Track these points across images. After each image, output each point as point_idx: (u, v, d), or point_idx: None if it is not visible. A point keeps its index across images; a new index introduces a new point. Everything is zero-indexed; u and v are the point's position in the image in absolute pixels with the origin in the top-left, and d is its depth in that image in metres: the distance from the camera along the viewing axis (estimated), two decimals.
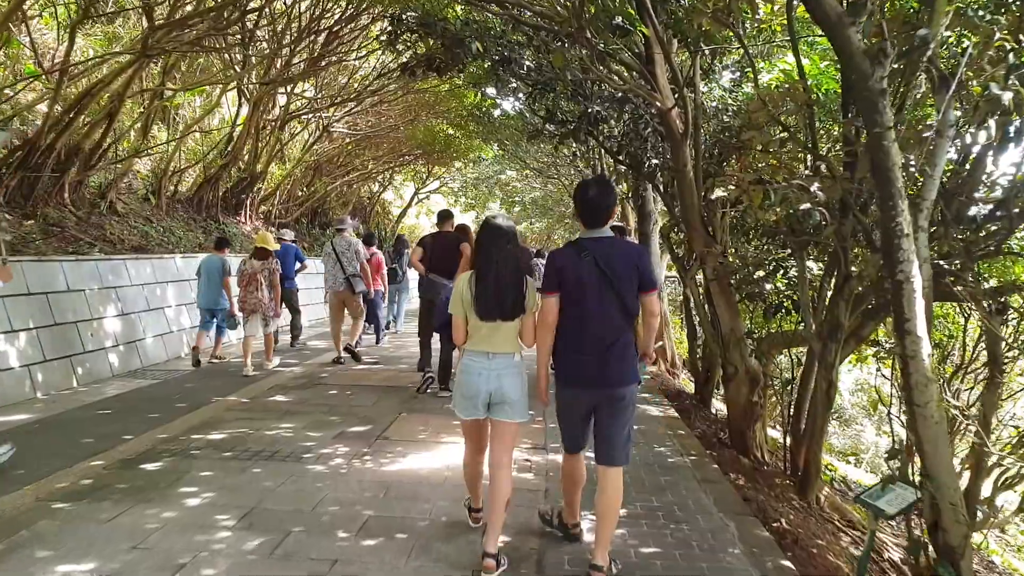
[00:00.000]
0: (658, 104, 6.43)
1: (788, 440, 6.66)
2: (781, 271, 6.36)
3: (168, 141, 13.92)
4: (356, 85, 17.46)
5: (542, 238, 36.76)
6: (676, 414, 7.20)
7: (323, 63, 15.07)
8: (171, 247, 11.64)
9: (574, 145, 9.04)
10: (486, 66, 7.73)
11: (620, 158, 8.14)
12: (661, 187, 8.16)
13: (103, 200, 11.49)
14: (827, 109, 6.55)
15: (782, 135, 4.95)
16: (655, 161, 7.77)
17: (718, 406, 9.38)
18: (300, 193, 20.39)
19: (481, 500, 4.00)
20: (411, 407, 6.86)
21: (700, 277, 9.24)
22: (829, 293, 5.77)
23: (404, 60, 7.85)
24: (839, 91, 5.55)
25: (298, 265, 11.10)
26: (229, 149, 15.46)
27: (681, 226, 7.99)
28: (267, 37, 14.01)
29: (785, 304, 6.15)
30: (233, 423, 6.15)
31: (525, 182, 26.43)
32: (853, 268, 5.03)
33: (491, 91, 18.55)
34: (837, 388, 5.63)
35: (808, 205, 4.43)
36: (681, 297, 11.89)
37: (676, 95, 6.70)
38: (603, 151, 10.42)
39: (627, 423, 3.52)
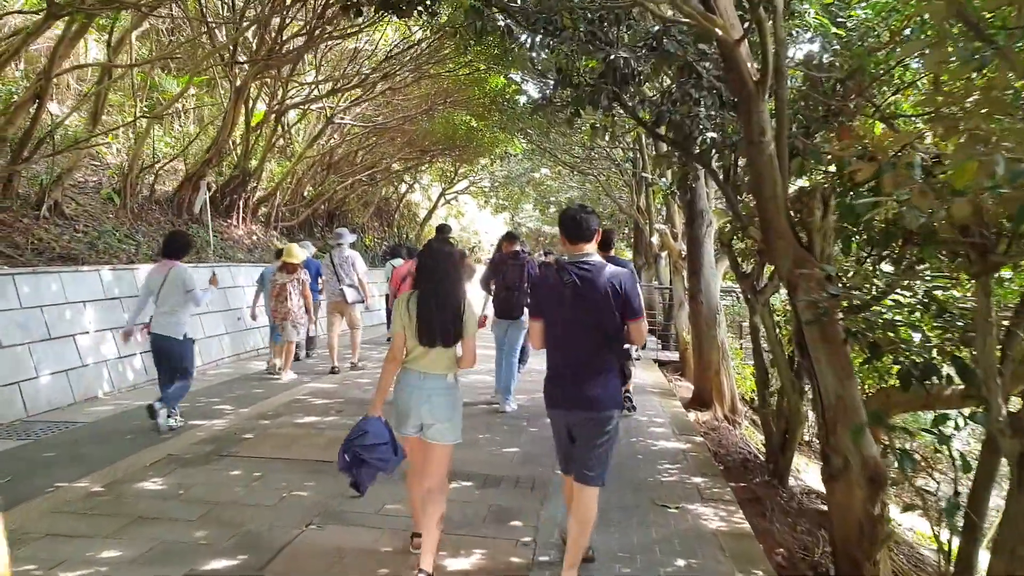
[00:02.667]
0: (718, 34, 4.01)
1: None
2: (922, 305, 3.84)
3: (119, 127, 11.87)
4: (361, 69, 15.31)
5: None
6: (744, 523, 4.73)
7: (320, 34, 12.90)
8: (124, 256, 9.56)
9: (595, 119, 6.55)
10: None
11: (660, 131, 5.72)
12: (720, 173, 5.71)
13: (47, 199, 9.48)
14: None
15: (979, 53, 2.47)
16: (711, 134, 5.34)
17: (801, 481, 6.95)
18: (306, 193, 18.31)
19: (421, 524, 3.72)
20: (332, 510, 4.50)
21: (772, 299, 6.77)
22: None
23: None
24: None
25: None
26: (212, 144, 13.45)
27: (750, 230, 5.54)
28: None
29: (938, 363, 3.60)
30: (32, 543, 3.88)
31: (560, 180, 24.00)
32: None
33: (514, 75, 16.42)
34: None
35: None
36: (746, 323, 9.38)
37: (747, 24, 4.29)
38: (641, 129, 7.91)
39: (602, 446, 3.56)
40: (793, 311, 4.44)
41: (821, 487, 7.67)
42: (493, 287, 7.75)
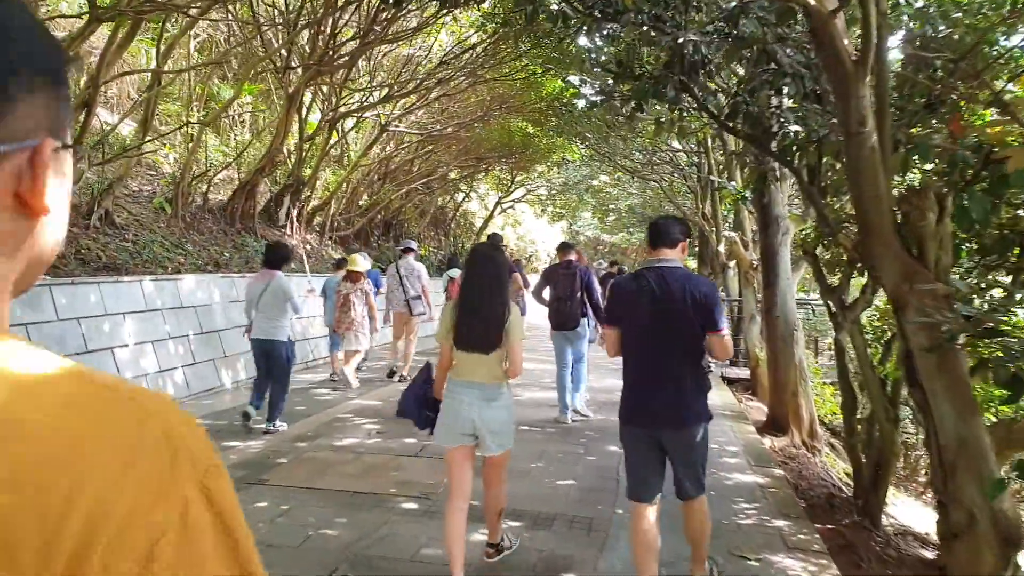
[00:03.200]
0: (810, 3, 3.39)
1: None
2: None
3: (168, 133, 11.72)
4: (415, 74, 14.96)
5: (643, 250, 33.37)
6: None
7: (373, 38, 12.58)
8: (171, 267, 9.32)
9: (660, 114, 5.92)
10: None
11: (734, 124, 5.07)
12: (804, 172, 5.02)
13: (97, 208, 9.32)
14: None
15: None
16: (794, 128, 4.67)
17: (893, 518, 6.17)
18: (361, 203, 18.07)
19: (459, 566, 3.45)
20: (361, 554, 3.88)
21: (859, 314, 6.02)
22: None
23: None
24: None
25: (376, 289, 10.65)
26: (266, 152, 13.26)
27: (839, 238, 4.86)
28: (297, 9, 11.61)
29: None
30: None
31: (620, 187, 23.28)
32: None
33: (573, 79, 15.85)
34: None
35: None
36: (822, 339, 8.62)
37: None
38: (708, 130, 7.25)
39: (698, 459, 3.43)
40: (899, 333, 3.75)
41: (917, 525, 6.86)
42: (547, 298, 7.63)
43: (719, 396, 9.84)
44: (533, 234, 33.85)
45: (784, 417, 8.09)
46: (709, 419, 3.43)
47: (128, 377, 7.26)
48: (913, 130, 4.39)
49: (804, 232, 9.45)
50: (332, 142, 15.21)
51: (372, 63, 14.93)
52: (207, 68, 13.52)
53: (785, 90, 4.55)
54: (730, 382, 11.38)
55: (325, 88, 14.61)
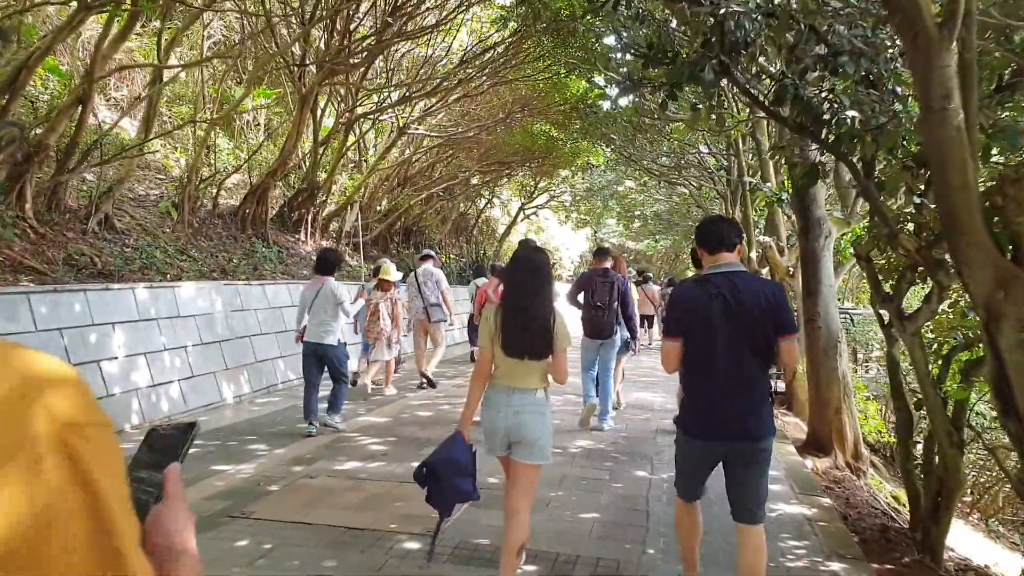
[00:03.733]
0: None
1: None
2: None
3: (173, 130, 11.32)
4: (434, 74, 14.49)
5: (668, 257, 32.61)
6: None
7: (392, 35, 12.11)
8: (170, 274, 8.86)
9: (696, 100, 5.31)
10: None
11: (780, 111, 4.47)
12: (859, 163, 4.41)
13: (96, 212, 8.91)
14: None
15: None
16: (851, 113, 4.06)
17: (953, 551, 5.54)
18: (379, 208, 17.60)
19: None
20: None
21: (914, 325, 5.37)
22: None
23: None
24: None
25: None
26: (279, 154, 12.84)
27: (900, 239, 4.25)
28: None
29: None
30: None
31: (646, 193, 22.62)
32: None
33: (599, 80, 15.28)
34: None
35: None
36: (861, 351, 7.97)
37: None
38: (750, 128, 6.67)
39: (762, 479, 3.25)
40: (990, 349, 3.12)
41: (981, 559, 6.18)
42: (581, 304, 7.32)
43: None
44: (556, 240, 33.24)
45: (826, 436, 7.43)
46: (775, 432, 3.27)
47: (116, 392, 6.78)
48: (995, 111, 3.77)
49: (845, 235, 8.78)
50: (348, 145, 14.74)
51: (390, 62, 14.45)
52: (221, 70, 13.14)
53: (844, 68, 3.93)
54: None
55: (341, 89, 14.19)
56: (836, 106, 4.21)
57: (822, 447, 7.40)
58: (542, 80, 14.86)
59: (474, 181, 21.12)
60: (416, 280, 9.67)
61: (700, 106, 4.58)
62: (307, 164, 13.94)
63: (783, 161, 4.87)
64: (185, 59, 13.28)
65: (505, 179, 22.44)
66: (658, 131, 14.58)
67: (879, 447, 10.13)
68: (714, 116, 4.78)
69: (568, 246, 35.11)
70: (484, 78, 14.63)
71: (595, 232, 31.42)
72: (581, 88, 14.91)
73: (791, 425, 8.98)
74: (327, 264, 6.94)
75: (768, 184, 8.98)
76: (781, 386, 11.41)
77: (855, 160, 4.49)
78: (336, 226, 15.73)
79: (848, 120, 4.05)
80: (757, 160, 11.22)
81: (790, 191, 8.51)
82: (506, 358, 3.35)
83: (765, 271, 13.19)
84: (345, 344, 7.06)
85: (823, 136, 4.44)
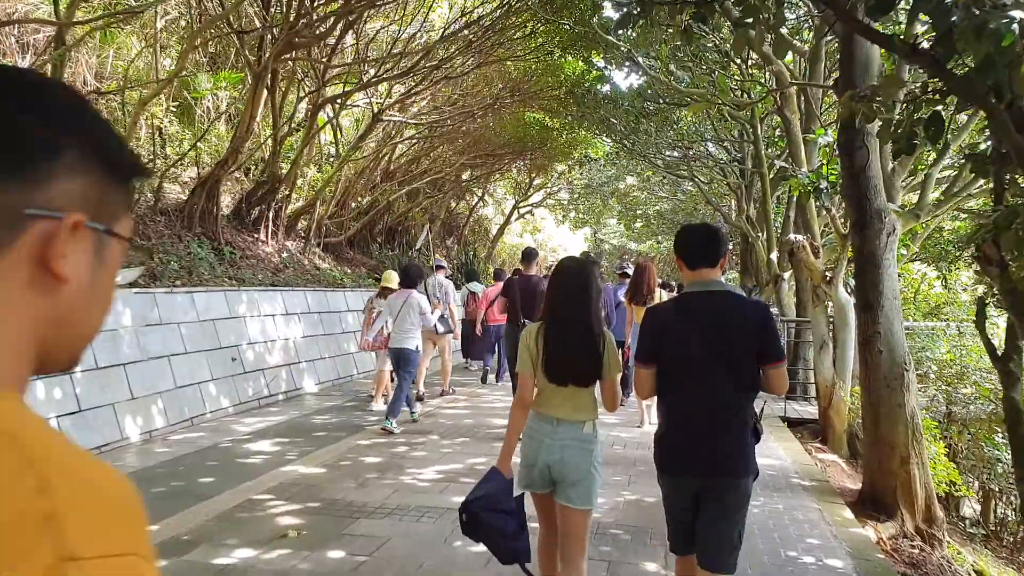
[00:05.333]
0: None
1: None
2: None
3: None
4: (410, 50, 12.82)
5: (672, 260, 31.02)
6: None
7: (360, 2, 10.45)
8: None
9: (737, 15, 3.54)
10: None
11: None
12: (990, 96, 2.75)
13: None
14: None
15: None
16: (1017, 14, 2.39)
17: None
18: (354, 204, 15.94)
19: None
20: None
21: None
22: None
23: None
24: None
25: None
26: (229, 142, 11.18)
27: None
28: None
29: None
30: None
31: (648, 190, 20.95)
32: None
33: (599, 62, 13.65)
34: None
35: None
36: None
37: None
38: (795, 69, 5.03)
39: (735, 523, 2.93)
40: None
41: None
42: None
43: (782, 446, 7.53)
44: (554, 241, 31.53)
45: (889, 492, 5.77)
46: (756, 475, 2.94)
47: None
48: None
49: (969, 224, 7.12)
50: (313, 133, 13.03)
51: (360, 37, 12.73)
52: (184, 54, 11.45)
53: None
54: (792, 424, 9.01)
55: (306, 67, 12.55)
56: (981, 10, 2.55)
57: (883, 506, 5.73)
58: (533, 61, 13.23)
59: (464, 176, 19.50)
60: (425, 291, 9.58)
61: (750, 21, 2.91)
62: (266, 153, 12.28)
63: (863, 119, 3.15)
64: (142, 34, 11.67)
65: (497, 175, 20.78)
66: (664, 117, 12.89)
67: (946, 501, 8.28)
68: (770, 37, 3.10)
69: (567, 247, 33.54)
70: (469, 58, 12.98)
71: (595, 232, 29.82)
72: (578, 69, 13.28)
73: (831, 466, 7.30)
74: (410, 279, 7.83)
75: (804, 170, 7.29)
76: (811, 410, 9.76)
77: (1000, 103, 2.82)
78: (304, 224, 14.08)
79: (1016, 27, 2.38)
80: (783, 143, 9.51)
81: (832, 177, 6.85)
82: (548, 384, 3.08)
83: (788, 275, 11.54)
84: (420, 349, 7.80)
85: (949, 66, 2.78)
